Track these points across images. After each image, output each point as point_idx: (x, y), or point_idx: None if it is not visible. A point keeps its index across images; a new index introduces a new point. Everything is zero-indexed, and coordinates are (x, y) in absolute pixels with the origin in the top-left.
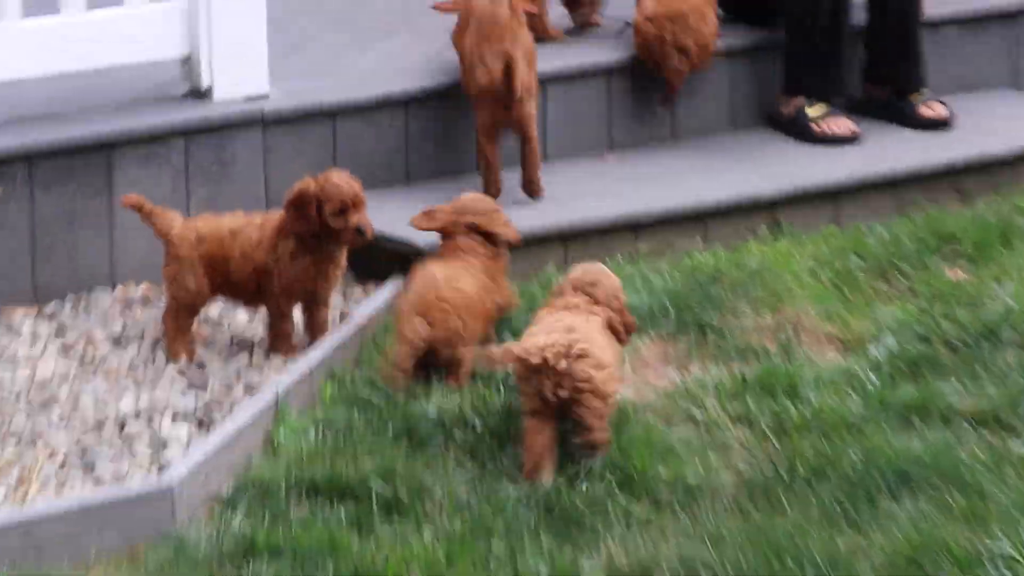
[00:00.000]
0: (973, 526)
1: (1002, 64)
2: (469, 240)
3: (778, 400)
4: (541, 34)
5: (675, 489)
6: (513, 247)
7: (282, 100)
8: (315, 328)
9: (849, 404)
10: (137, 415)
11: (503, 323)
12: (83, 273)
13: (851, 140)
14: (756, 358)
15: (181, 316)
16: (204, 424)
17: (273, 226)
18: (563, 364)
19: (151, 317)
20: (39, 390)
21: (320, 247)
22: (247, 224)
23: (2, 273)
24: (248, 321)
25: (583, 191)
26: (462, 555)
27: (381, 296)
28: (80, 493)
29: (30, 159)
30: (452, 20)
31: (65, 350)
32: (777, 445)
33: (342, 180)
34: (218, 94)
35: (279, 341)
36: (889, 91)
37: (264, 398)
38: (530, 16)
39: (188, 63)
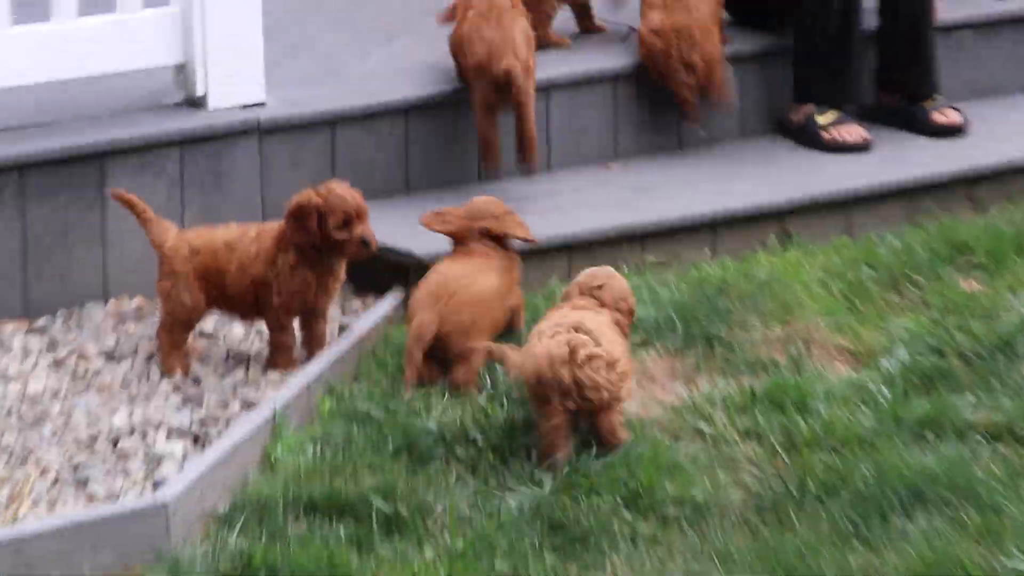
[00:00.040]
0: (988, 543)
1: (1017, 69)
2: (482, 245)
3: (788, 415)
4: (545, 40)
5: (682, 506)
6: (528, 251)
7: (279, 108)
8: (313, 342)
9: (861, 418)
10: (131, 431)
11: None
12: (75, 286)
13: (862, 148)
14: (765, 371)
15: (176, 331)
16: (200, 440)
17: (271, 238)
18: (566, 373)
19: (145, 331)
20: (30, 406)
21: (320, 259)
22: (242, 236)
23: None
24: (244, 335)
25: (588, 200)
26: (464, 574)
27: (381, 309)
28: (73, 510)
29: (21, 169)
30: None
31: (57, 365)
32: (787, 461)
33: (345, 191)
34: (213, 102)
35: (279, 355)
36: (901, 98)
37: (261, 413)
38: (535, 22)
39: (182, 70)
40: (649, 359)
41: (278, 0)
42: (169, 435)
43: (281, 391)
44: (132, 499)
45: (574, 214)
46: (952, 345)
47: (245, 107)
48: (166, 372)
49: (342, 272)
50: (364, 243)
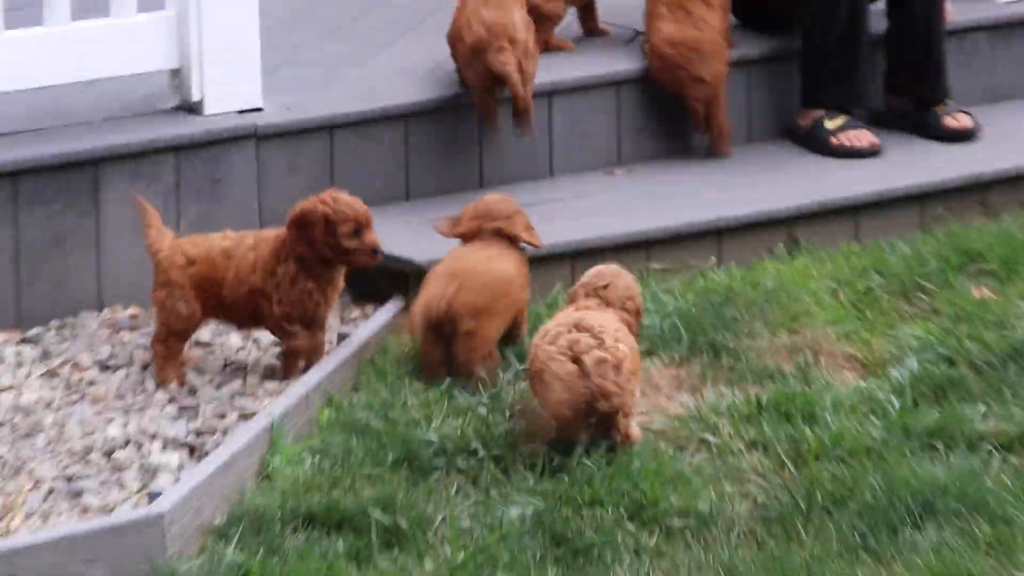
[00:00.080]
0: (999, 555)
1: None
2: (496, 239)
3: (795, 425)
4: (548, 44)
5: (687, 518)
6: (531, 258)
7: (276, 114)
8: (311, 351)
9: (870, 429)
10: (126, 442)
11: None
12: (69, 295)
13: (871, 153)
14: (772, 381)
15: (171, 340)
16: (196, 451)
17: (269, 248)
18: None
19: (140, 341)
20: (24, 417)
21: (322, 269)
22: (239, 245)
23: None
24: (241, 344)
25: (591, 207)
26: None
27: (380, 318)
28: (67, 523)
29: (14, 175)
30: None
31: (50, 375)
32: (794, 472)
33: (351, 198)
34: (209, 108)
35: (293, 361)
36: (910, 102)
37: (258, 424)
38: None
39: (178, 75)
40: (654, 368)
41: (275, 4)
42: (165, 446)
43: (279, 401)
44: (127, 511)
45: (577, 221)
46: (963, 354)
47: (242, 112)
48: (161, 382)
49: (341, 281)
50: (375, 251)
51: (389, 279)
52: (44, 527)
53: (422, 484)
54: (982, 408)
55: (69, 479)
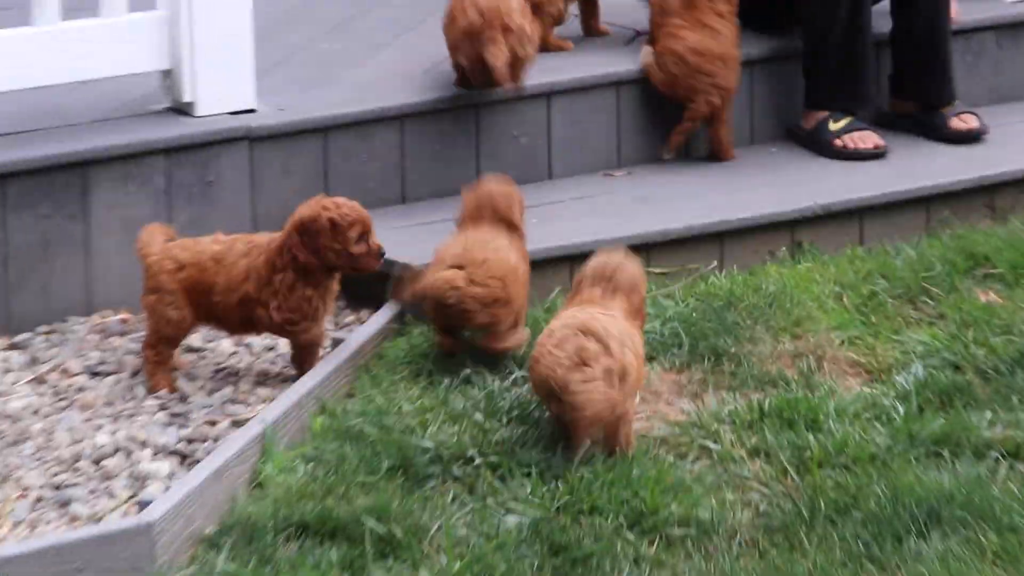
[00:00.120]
0: (1006, 565)
1: None
2: (493, 226)
3: (798, 432)
4: (546, 44)
5: (688, 527)
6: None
7: (270, 115)
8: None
9: (874, 436)
10: (115, 450)
11: None
12: (57, 300)
13: (876, 155)
14: (775, 387)
15: (161, 346)
16: (186, 459)
17: (264, 257)
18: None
19: (130, 347)
20: (11, 424)
21: (322, 275)
22: (229, 250)
23: None
24: (232, 350)
25: (590, 209)
26: None
27: (375, 323)
28: (55, 532)
29: (1, 178)
30: None
31: (38, 382)
32: (797, 480)
33: (352, 203)
34: (201, 109)
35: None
36: (917, 105)
37: (250, 431)
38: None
39: (169, 76)
40: (654, 374)
41: (269, 3)
42: (155, 454)
43: (271, 408)
44: (116, 520)
45: (576, 224)
46: (969, 360)
47: (235, 114)
48: (152, 389)
49: (336, 286)
50: (381, 254)
51: (384, 284)
52: (32, 536)
53: (417, 492)
54: (989, 415)
55: (57, 487)
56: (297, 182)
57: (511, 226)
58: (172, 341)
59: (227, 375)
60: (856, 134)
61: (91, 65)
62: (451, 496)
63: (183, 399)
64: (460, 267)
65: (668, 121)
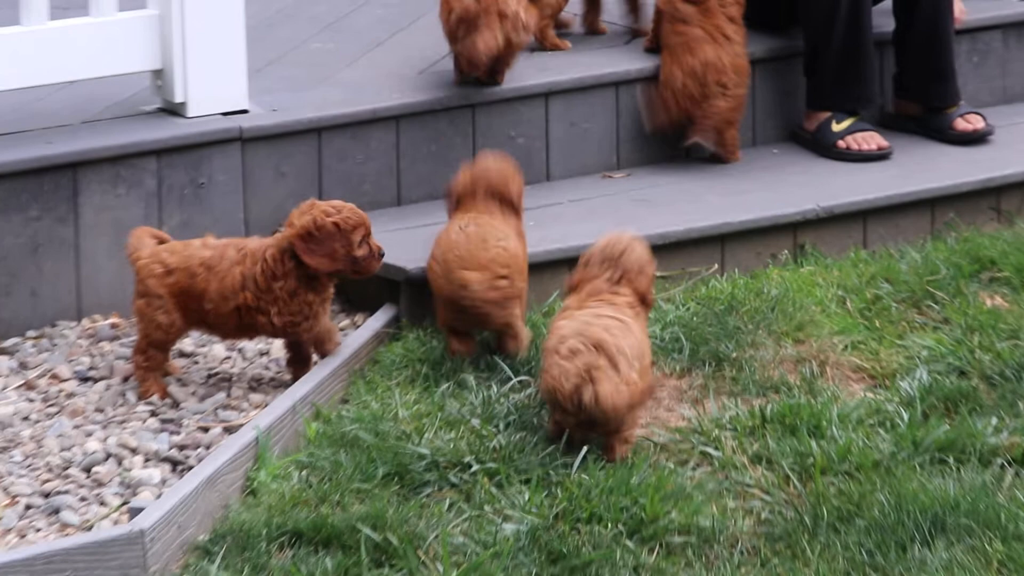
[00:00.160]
0: (1011, 574)
1: None
2: (488, 203)
3: (801, 438)
4: (543, 42)
5: (688, 535)
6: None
7: (262, 116)
8: (299, 363)
9: (878, 443)
10: (106, 457)
11: None
12: (46, 304)
13: (880, 156)
14: (777, 393)
15: (151, 351)
16: (178, 466)
17: (260, 266)
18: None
19: (120, 352)
20: (0, 431)
21: (327, 280)
22: (221, 258)
23: None
24: (225, 355)
25: (589, 212)
26: None
27: (370, 327)
28: (44, 540)
29: None
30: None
31: (28, 388)
32: (799, 487)
33: (351, 205)
34: (193, 109)
35: (327, 345)
36: (920, 107)
37: (243, 438)
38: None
39: (160, 76)
40: (654, 379)
41: (261, 3)
42: (146, 461)
43: (265, 414)
44: (107, 528)
45: (574, 226)
46: (975, 365)
47: (226, 114)
48: (143, 395)
49: (332, 290)
50: (381, 255)
51: (379, 288)
52: (21, 544)
53: (413, 500)
54: (994, 421)
55: (47, 495)
56: (290, 184)
57: (507, 204)
58: (162, 346)
59: (220, 380)
60: (859, 135)
61: (81, 65)
62: (448, 503)
63: (175, 405)
64: (466, 268)
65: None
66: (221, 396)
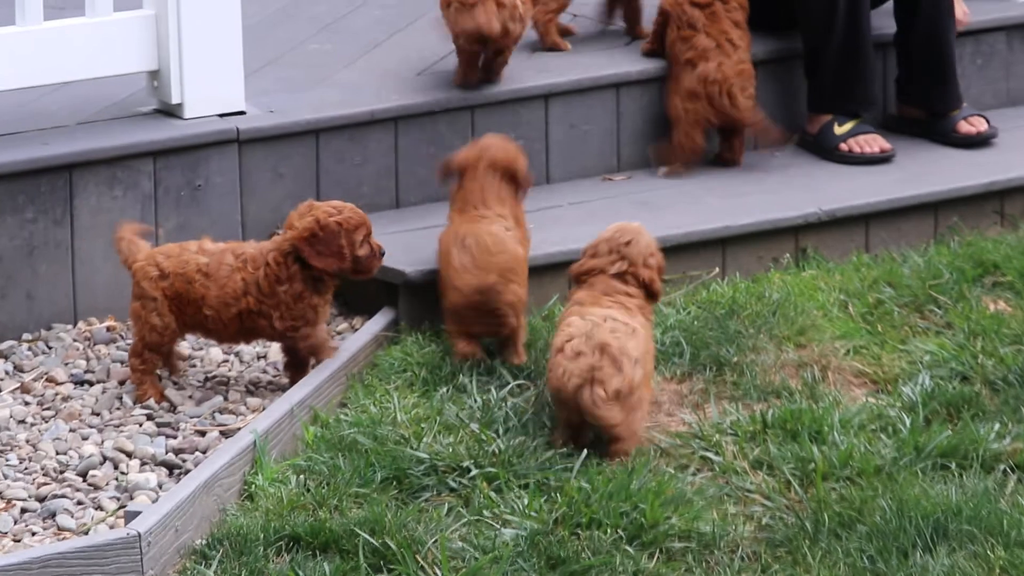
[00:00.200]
0: None
1: None
2: (491, 180)
3: (802, 444)
4: (546, 39)
5: (689, 540)
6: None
7: (259, 117)
8: (297, 367)
9: (880, 448)
10: (102, 460)
11: None
12: (42, 307)
13: (883, 159)
14: (778, 398)
15: (147, 354)
16: (175, 470)
17: (263, 270)
18: (580, 400)
19: (116, 355)
20: None
21: (330, 282)
22: (219, 264)
23: None
24: (222, 358)
25: (588, 214)
26: None
27: (369, 331)
28: (40, 544)
29: None
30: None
31: (23, 391)
32: (800, 493)
33: (350, 205)
34: (189, 111)
35: (322, 352)
36: (922, 111)
37: (241, 441)
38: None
39: (156, 77)
40: (655, 384)
41: (258, 3)
42: (143, 465)
43: (262, 418)
44: (103, 532)
45: (574, 229)
46: (978, 370)
47: (223, 116)
48: (139, 398)
49: (331, 292)
50: (382, 254)
51: (377, 291)
52: (17, 549)
53: (412, 504)
54: (997, 427)
55: (43, 499)
56: (288, 186)
57: (512, 180)
58: (157, 348)
59: (217, 384)
60: (861, 138)
61: (77, 65)
62: (446, 508)
63: (172, 408)
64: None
65: (668, 124)
66: (218, 400)
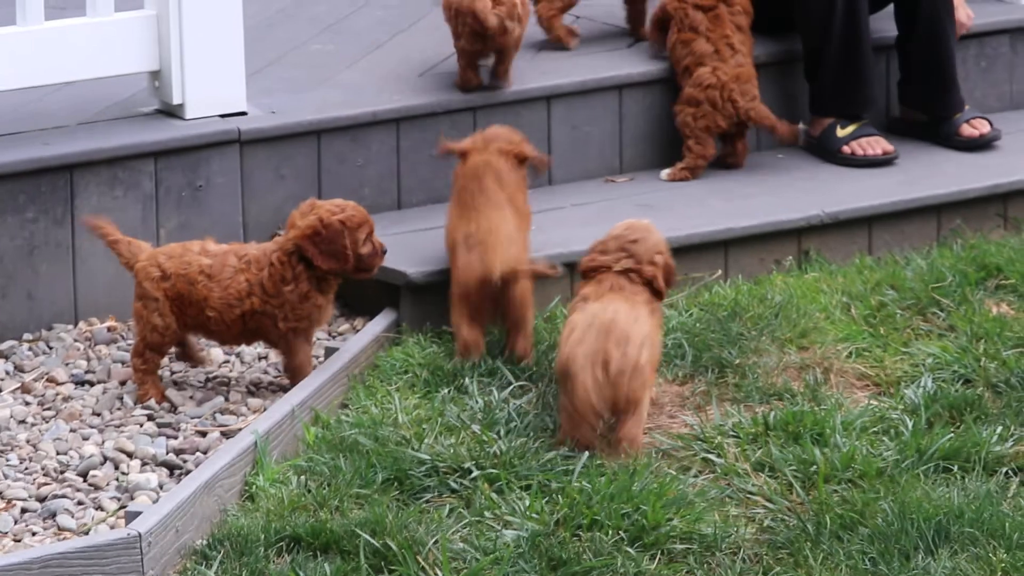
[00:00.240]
0: None
1: None
2: (500, 160)
3: (804, 446)
4: (552, 33)
5: (690, 542)
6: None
7: (261, 118)
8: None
9: (882, 451)
10: (103, 461)
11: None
12: (42, 307)
13: (885, 161)
14: (780, 400)
15: (148, 354)
16: (176, 471)
17: (268, 270)
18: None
19: (117, 355)
20: None
21: (334, 281)
22: (222, 266)
23: None
24: (223, 359)
25: (591, 216)
26: None
27: (370, 331)
28: (40, 544)
29: None
30: (446, 29)
31: (24, 391)
32: (802, 495)
33: (353, 203)
34: (191, 111)
35: (300, 377)
36: (925, 115)
37: (242, 442)
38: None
39: (158, 77)
40: (656, 386)
41: (260, 3)
42: (143, 465)
43: (263, 418)
44: (104, 532)
45: (577, 231)
46: (980, 373)
47: (225, 116)
48: (140, 398)
49: (334, 291)
50: (384, 252)
51: (378, 292)
52: (17, 549)
53: (413, 505)
54: (1000, 430)
55: (43, 499)
56: (289, 187)
57: (519, 161)
58: (159, 348)
59: (218, 384)
60: (864, 140)
61: (77, 66)
62: (447, 509)
63: (172, 409)
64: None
65: (672, 125)
66: (219, 400)
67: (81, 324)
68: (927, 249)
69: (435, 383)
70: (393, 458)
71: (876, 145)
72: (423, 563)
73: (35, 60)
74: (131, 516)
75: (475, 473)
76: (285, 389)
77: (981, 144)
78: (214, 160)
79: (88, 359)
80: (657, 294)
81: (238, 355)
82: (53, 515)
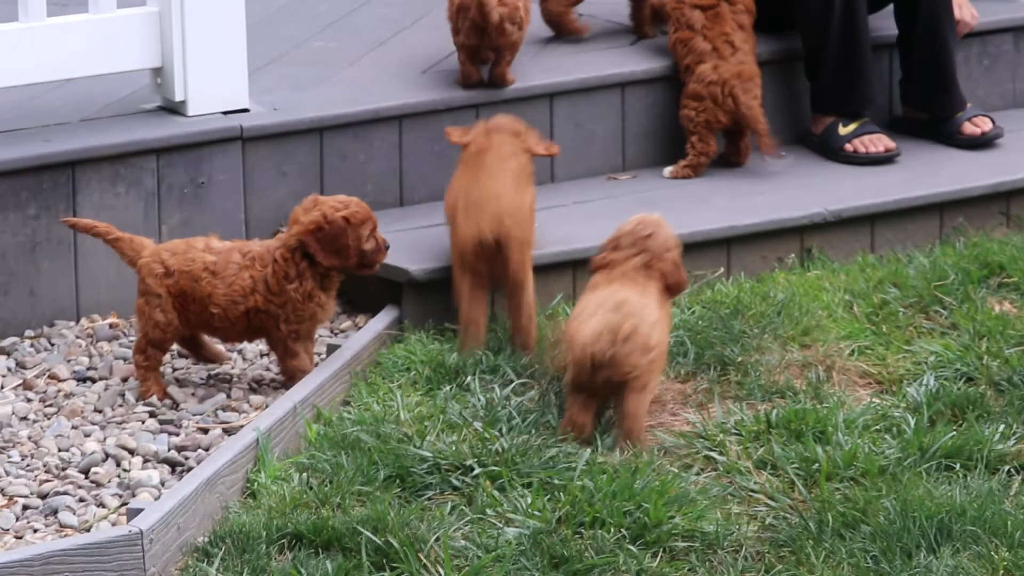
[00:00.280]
0: None
1: None
2: (505, 139)
3: (806, 444)
4: (563, 25)
5: (692, 540)
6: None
7: (263, 115)
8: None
9: (884, 449)
10: (104, 457)
11: None
12: (44, 304)
13: (888, 159)
14: (782, 398)
15: (151, 350)
16: (177, 468)
17: (272, 268)
18: (609, 352)
19: (119, 352)
20: None
21: (337, 278)
22: (225, 263)
23: None
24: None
25: (593, 214)
26: None
27: (372, 329)
28: (42, 541)
29: None
30: (448, 27)
31: (25, 388)
32: (804, 493)
33: (355, 199)
34: (193, 108)
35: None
36: (926, 115)
37: (243, 439)
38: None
39: (160, 74)
40: (659, 384)
41: (263, 1)
42: (145, 462)
43: (265, 415)
44: (105, 529)
45: (579, 228)
46: (983, 371)
47: (227, 113)
48: (142, 395)
49: (336, 288)
50: (387, 248)
51: (380, 289)
52: (19, 545)
53: (415, 503)
54: (1002, 428)
55: (45, 496)
56: (292, 184)
57: (524, 144)
58: (161, 345)
59: (220, 381)
60: (866, 138)
61: (79, 62)
62: (449, 507)
63: (174, 406)
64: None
65: (674, 123)
66: (221, 397)
67: (83, 321)
68: (930, 247)
69: (437, 380)
70: (395, 455)
71: (878, 143)
72: (425, 560)
73: (37, 57)
74: (133, 513)
75: (477, 470)
76: (287, 386)
77: (983, 142)
78: (216, 157)
79: (90, 356)
80: (669, 289)
81: (240, 352)
82: (55, 512)
